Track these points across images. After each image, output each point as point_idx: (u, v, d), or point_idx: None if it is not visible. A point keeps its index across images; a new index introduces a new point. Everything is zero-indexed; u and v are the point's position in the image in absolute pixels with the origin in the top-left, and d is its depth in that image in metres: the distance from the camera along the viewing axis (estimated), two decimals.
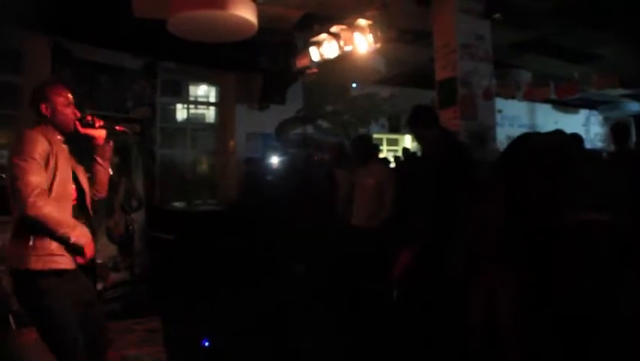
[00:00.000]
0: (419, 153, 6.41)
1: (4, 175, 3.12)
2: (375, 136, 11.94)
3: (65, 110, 3.03)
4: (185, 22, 5.68)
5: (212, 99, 11.09)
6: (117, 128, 3.43)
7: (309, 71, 8.08)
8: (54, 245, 2.77)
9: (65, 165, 2.93)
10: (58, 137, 3.00)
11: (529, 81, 11.05)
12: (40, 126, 2.94)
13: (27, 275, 2.73)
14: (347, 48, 6.85)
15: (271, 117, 10.42)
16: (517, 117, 12.97)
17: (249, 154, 9.93)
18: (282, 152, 10.46)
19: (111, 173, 3.44)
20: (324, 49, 7.14)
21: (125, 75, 8.52)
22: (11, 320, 4.91)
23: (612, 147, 6.08)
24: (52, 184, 2.81)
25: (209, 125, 11.11)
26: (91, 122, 3.23)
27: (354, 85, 11.24)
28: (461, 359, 3.52)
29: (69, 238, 2.77)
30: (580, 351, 2.62)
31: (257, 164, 9.30)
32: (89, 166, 3.30)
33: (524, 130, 9.37)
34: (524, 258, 2.92)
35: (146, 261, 6.85)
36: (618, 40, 8.12)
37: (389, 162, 7.73)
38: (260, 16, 5.78)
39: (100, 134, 3.28)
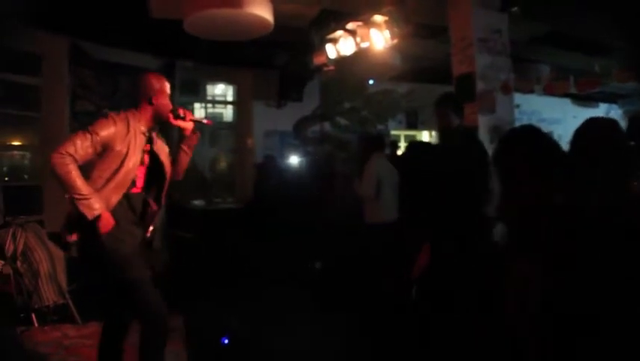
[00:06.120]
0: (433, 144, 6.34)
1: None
2: (393, 132, 11.92)
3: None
4: (202, 21, 5.72)
5: (230, 98, 11.15)
6: (206, 122, 3.89)
7: (325, 69, 8.05)
8: None
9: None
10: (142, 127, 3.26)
11: (548, 75, 10.93)
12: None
13: None
14: (363, 44, 6.82)
15: (289, 115, 10.44)
16: (535, 112, 12.81)
17: (267, 152, 9.94)
18: (300, 150, 10.47)
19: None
20: (341, 46, 7.11)
21: None
22: (33, 317, 4.99)
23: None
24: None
25: (228, 123, 11.17)
26: (182, 115, 3.47)
27: (371, 81, 11.17)
28: (482, 357, 3.50)
29: None
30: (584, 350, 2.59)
31: (269, 164, 9.26)
32: (175, 152, 3.58)
33: (543, 125, 9.25)
34: (547, 248, 2.89)
35: (166, 259, 6.89)
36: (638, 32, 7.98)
37: None
38: (276, 14, 5.79)
39: (188, 126, 3.53)
